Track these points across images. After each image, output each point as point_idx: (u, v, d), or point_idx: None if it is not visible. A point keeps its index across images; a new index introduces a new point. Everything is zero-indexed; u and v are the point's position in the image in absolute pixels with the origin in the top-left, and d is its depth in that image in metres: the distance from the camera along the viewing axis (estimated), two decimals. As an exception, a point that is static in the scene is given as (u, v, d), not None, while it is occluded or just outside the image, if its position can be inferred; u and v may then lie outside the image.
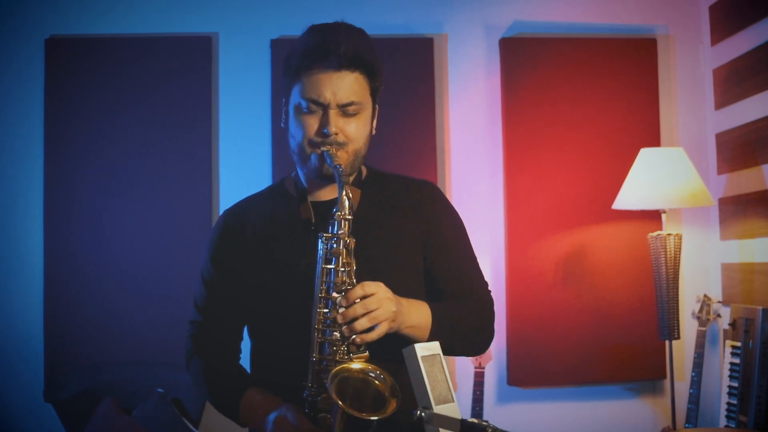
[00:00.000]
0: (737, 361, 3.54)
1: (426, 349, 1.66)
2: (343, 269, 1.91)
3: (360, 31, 2.06)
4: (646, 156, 3.69)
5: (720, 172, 4.00)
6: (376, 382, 1.79)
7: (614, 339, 3.97)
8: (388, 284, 1.95)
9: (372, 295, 1.87)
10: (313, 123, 2.00)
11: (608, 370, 3.98)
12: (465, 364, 3.85)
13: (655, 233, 3.68)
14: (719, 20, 3.99)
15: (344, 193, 1.93)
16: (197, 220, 3.87)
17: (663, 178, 3.60)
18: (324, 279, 1.92)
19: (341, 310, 1.86)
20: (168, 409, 3.41)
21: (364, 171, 2.18)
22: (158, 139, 3.88)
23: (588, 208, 3.97)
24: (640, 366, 3.99)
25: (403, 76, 3.94)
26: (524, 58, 4.01)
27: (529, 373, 3.96)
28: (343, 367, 1.81)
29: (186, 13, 3.95)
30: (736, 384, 3.53)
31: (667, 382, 3.93)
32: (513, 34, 4.05)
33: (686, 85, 4.12)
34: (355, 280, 1.91)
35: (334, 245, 1.92)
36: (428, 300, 2.11)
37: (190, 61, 3.91)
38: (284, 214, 2.14)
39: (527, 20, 4.07)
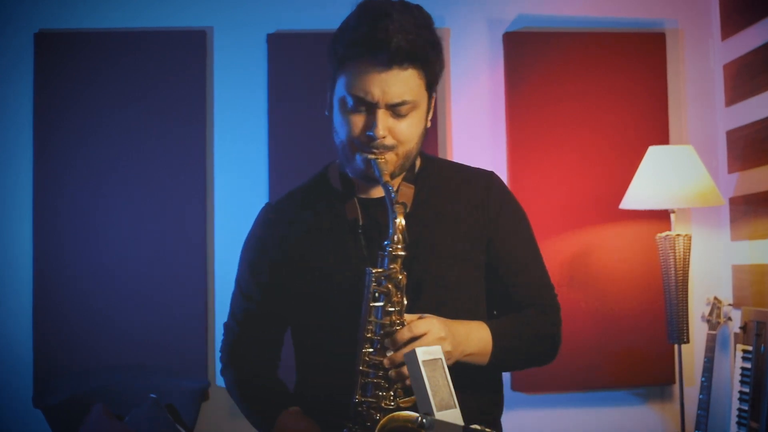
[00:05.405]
0: (748, 365, 3.52)
1: (427, 354, 1.61)
2: (392, 308, 1.78)
3: (416, 15, 1.83)
4: (654, 154, 3.67)
5: (731, 170, 3.97)
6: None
7: (621, 343, 3.94)
8: (446, 289, 1.88)
9: (422, 336, 1.74)
10: (358, 122, 1.84)
11: (615, 375, 3.94)
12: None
13: (663, 234, 3.65)
14: (730, 14, 3.97)
15: (397, 223, 1.77)
16: (191, 220, 3.83)
17: (672, 177, 3.57)
18: (370, 318, 1.78)
19: (389, 353, 1.74)
20: (161, 415, 3.36)
21: (418, 162, 2.02)
22: (151, 136, 3.84)
23: (594, 208, 3.94)
24: (648, 371, 3.96)
25: (404, 71, 3.88)
26: (529, 53, 3.98)
27: (533, 378, 3.90)
28: (392, 417, 1.65)
29: (180, 7, 3.92)
30: (747, 389, 3.50)
31: (676, 387, 3.91)
32: (517, 29, 4.02)
33: (696, 80, 4.10)
34: (404, 319, 1.78)
35: (384, 282, 1.78)
36: (489, 300, 2.03)
37: (184, 56, 3.88)
38: (328, 214, 2.00)
39: (532, 14, 4.04)
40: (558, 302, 2.11)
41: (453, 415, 1.57)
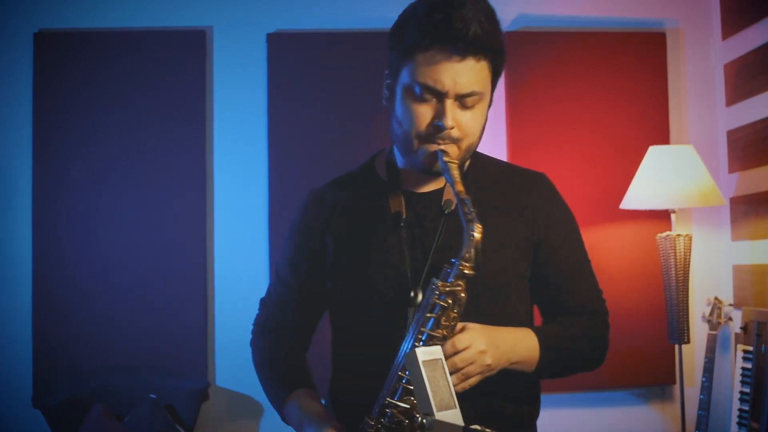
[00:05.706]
0: (749, 365, 3.50)
1: (428, 354, 1.59)
2: (446, 323, 1.73)
3: (484, 5, 1.79)
4: (655, 154, 3.65)
5: (731, 170, 3.96)
6: None
7: (621, 343, 3.87)
8: (491, 291, 1.84)
9: (464, 350, 1.72)
10: (425, 113, 1.78)
11: (615, 375, 3.92)
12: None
13: (664, 234, 3.64)
14: (730, 13, 3.95)
15: (473, 241, 1.70)
16: (191, 219, 3.82)
17: (672, 177, 3.56)
18: (422, 328, 1.73)
19: None
20: (161, 415, 3.36)
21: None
22: (151, 136, 3.83)
23: (595, 208, 3.92)
24: (649, 371, 3.94)
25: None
26: (529, 53, 3.96)
27: (533, 378, 3.88)
28: None
29: (179, 7, 3.90)
30: (747, 389, 3.49)
31: (677, 387, 3.89)
32: (517, 28, 4.00)
33: (696, 80, 4.08)
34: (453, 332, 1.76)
35: (444, 296, 1.73)
36: (533, 303, 2.00)
37: (184, 56, 3.86)
38: (371, 205, 1.94)
39: (532, 14, 4.02)
40: (607, 308, 2.05)
41: (453, 416, 1.55)
